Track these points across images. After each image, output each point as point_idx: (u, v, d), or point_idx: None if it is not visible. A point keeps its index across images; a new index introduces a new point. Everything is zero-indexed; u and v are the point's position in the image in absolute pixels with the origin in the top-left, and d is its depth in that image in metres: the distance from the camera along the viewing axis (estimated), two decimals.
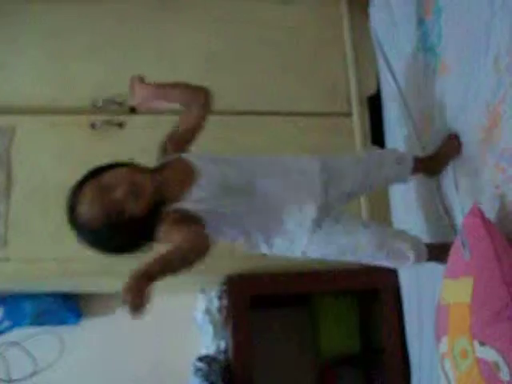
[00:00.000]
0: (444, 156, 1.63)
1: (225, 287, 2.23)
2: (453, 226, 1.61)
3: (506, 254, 1.23)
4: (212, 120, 2.14)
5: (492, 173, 1.41)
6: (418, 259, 1.53)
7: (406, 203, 1.88)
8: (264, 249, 1.50)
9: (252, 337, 2.14)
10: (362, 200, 2.10)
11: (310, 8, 2.33)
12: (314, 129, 2.17)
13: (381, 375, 2.31)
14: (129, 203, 1.31)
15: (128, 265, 2.06)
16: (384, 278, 2.06)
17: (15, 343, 2.33)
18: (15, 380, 2.31)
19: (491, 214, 1.37)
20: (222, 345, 2.26)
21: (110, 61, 2.18)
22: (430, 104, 1.72)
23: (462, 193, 1.57)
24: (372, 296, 2.28)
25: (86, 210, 1.32)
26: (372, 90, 2.23)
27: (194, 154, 1.46)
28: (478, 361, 1.15)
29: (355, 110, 2.23)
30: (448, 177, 1.64)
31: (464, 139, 1.56)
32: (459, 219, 1.55)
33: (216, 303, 2.30)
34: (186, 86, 1.50)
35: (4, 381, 2.29)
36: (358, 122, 2.22)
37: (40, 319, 2.29)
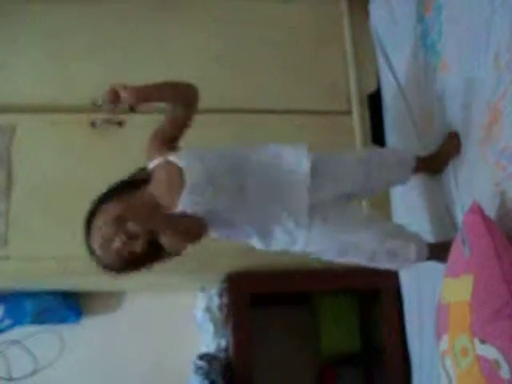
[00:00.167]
0: (445, 155, 1.63)
1: (225, 285, 2.23)
2: (454, 224, 1.61)
3: (507, 251, 1.22)
4: (212, 118, 2.16)
5: (492, 170, 1.41)
6: (418, 258, 1.53)
7: (406, 202, 1.88)
8: (262, 246, 1.50)
9: (252, 335, 2.14)
10: (364, 200, 2.10)
11: (310, 6, 2.33)
12: (314, 127, 2.17)
13: (381, 374, 2.31)
14: (131, 246, 1.35)
15: None
16: (384, 278, 2.05)
17: (16, 341, 2.33)
18: (16, 378, 2.31)
19: (491, 212, 1.36)
20: (223, 343, 2.26)
21: (110, 60, 2.18)
22: (430, 101, 1.72)
23: (462, 190, 1.57)
24: (372, 295, 2.28)
25: (102, 257, 1.38)
26: (372, 88, 2.23)
27: (180, 152, 1.44)
28: (479, 358, 1.15)
29: (355, 108, 2.23)
30: (448, 175, 1.64)
31: (464, 137, 1.56)
32: (460, 217, 1.55)
33: (216, 301, 2.30)
34: (170, 85, 1.49)
35: (4, 379, 2.29)
36: (358, 121, 2.22)
37: (40, 318, 2.30)
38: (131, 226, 1.34)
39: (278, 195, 1.44)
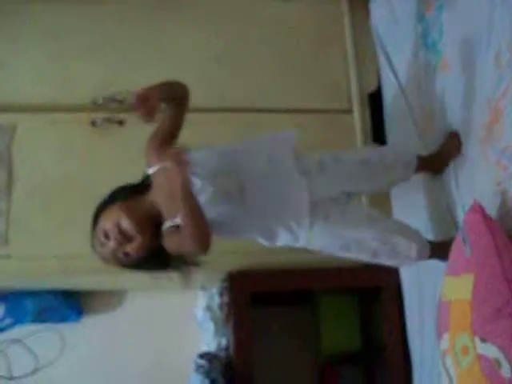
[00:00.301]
0: (445, 154, 1.63)
1: (226, 284, 2.23)
2: (454, 223, 1.61)
3: (507, 250, 1.22)
4: (213, 117, 2.16)
5: (493, 170, 1.41)
6: (420, 256, 1.53)
7: (407, 201, 1.88)
8: (266, 243, 1.51)
9: (253, 334, 2.14)
10: (364, 197, 2.10)
11: (310, 5, 2.32)
12: (315, 126, 2.17)
13: (382, 373, 2.31)
14: (125, 247, 1.39)
15: None
16: (385, 276, 2.06)
17: (16, 340, 2.33)
18: (17, 377, 2.31)
19: (492, 211, 1.37)
20: (223, 342, 2.26)
21: (110, 60, 2.18)
22: (430, 100, 1.72)
23: (463, 190, 1.57)
24: (373, 294, 2.28)
25: (101, 253, 1.44)
26: (373, 87, 2.23)
27: None
28: (479, 357, 1.15)
29: (356, 107, 2.23)
30: (449, 174, 1.64)
31: (465, 136, 1.56)
32: (460, 216, 1.55)
33: (217, 300, 2.30)
34: (169, 84, 1.50)
35: (5, 378, 2.29)
36: (358, 119, 2.22)
37: (41, 316, 2.30)
38: (126, 228, 1.38)
39: (278, 195, 1.44)
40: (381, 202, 2.02)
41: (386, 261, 1.54)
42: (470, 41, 1.49)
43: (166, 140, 1.47)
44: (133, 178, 1.52)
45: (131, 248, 1.39)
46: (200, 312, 2.35)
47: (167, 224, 1.41)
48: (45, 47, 2.18)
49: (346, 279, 2.19)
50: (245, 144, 1.52)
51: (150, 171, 1.45)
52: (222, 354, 2.24)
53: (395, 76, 1.92)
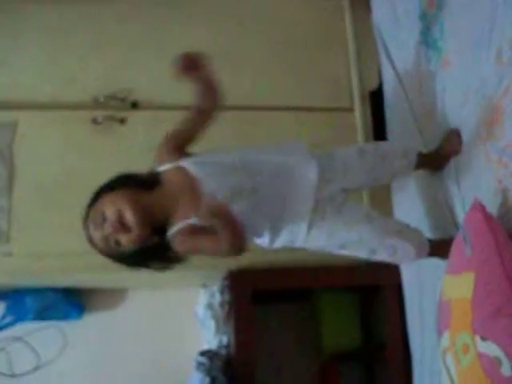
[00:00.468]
0: (446, 152, 1.63)
1: (227, 282, 2.23)
2: (455, 222, 1.61)
3: (508, 249, 1.22)
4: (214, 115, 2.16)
5: (494, 168, 1.41)
6: (419, 254, 1.53)
7: (407, 199, 1.88)
8: (266, 244, 1.50)
9: (254, 332, 2.14)
10: (364, 195, 2.10)
11: (312, 2, 2.32)
12: (316, 124, 2.17)
13: (383, 370, 2.31)
14: (120, 236, 1.36)
15: None
16: (386, 274, 2.06)
17: (18, 338, 2.33)
18: (18, 374, 2.32)
19: (493, 209, 1.37)
20: (224, 340, 2.27)
21: (111, 57, 2.18)
22: (431, 98, 1.72)
23: (463, 188, 1.57)
24: (374, 291, 2.29)
25: (92, 235, 1.41)
26: (374, 85, 2.23)
27: (194, 160, 1.43)
28: (480, 356, 1.15)
29: (357, 105, 2.23)
30: (450, 172, 1.64)
31: (466, 134, 1.56)
32: (461, 214, 1.55)
33: (218, 298, 2.30)
34: (212, 81, 1.48)
35: (7, 375, 2.30)
36: (359, 117, 2.22)
37: (42, 314, 2.30)
38: (128, 219, 1.35)
39: (285, 198, 1.44)
40: (381, 199, 2.02)
41: (384, 258, 1.53)
42: (472, 38, 1.49)
43: (185, 142, 1.45)
44: None
45: (125, 239, 1.36)
46: (201, 310, 2.35)
47: (179, 225, 1.38)
48: (46, 45, 2.18)
49: (347, 277, 2.19)
50: (257, 146, 1.52)
51: (162, 169, 1.43)
52: (223, 351, 2.24)
53: (396, 74, 1.92)
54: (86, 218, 1.42)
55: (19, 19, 2.18)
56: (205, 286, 2.38)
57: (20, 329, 2.32)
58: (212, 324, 2.30)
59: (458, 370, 1.22)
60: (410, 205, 1.86)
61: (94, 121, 2.10)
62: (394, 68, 1.95)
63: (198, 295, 2.39)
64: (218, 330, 2.29)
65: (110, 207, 1.36)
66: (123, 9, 2.23)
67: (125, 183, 1.41)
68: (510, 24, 1.34)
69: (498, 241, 1.23)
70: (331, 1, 2.33)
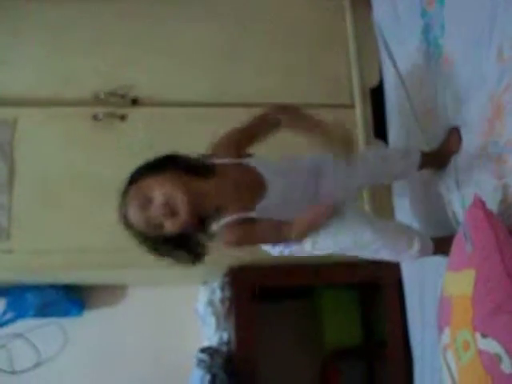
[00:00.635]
0: (446, 151, 1.63)
1: (227, 279, 2.24)
2: (456, 219, 1.61)
3: (508, 245, 1.22)
4: (216, 113, 2.16)
5: (495, 164, 1.41)
6: (422, 254, 1.53)
7: (409, 197, 1.88)
8: (280, 253, 1.52)
9: (254, 329, 2.15)
10: (365, 195, 2.10)
11: (313, 1, 2.32)
12: None
13: (383, 367, 2.31)
14: (165, 220, 1.32)
15: (127, 259, 2.06)
16: (386, 271, 2.06)
17: (18, 335, 2.33)
18: (19, 371, 2.32)
19: (494, 206, 1.37)
20: (225, 336, 2.27)
21: (111, 54, 2.18)
22: (432, 95, 1.71)
23: (464, 185, 1.57)
24: (374, 288, 2.29)
25: (130, 215, 1.34)
26: (375, 82, 2.23)
27: (259, 160, 1.44)
28: (480, 353, 1.15)
29: (358, 102, 2.23)
30: (450, 169, 1.64)
31: (467, 131, 1.56)
32: (461, 212, 1.55)
33: (218, 294, 2.30)
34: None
35: (7, 372, 2.30)
36: (360, 115, 2.21)
37: (43, 311, 2.30)
38: (178, 205, 1.31)
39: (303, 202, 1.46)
40: (382, 198, 2.02)
41: (388, 258, 1.54)
42: (472, 36, 1.49)
43: (247, 142, 1.45)
44: None
45: (171, 223, 1.32)
46: (201, 306, 2.35)
47: (233, 216, 1.36)
48: (46, 42, 2.18)
49: (348, 274, 2.19)
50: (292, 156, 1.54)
51: (218, 161, 1.40)
52: (224, 348, 2.24)
53: (397, 71, 1.91)
54: (125, 195, 1.35)
55: (19, 16, 2.17)
56: (205, 282, 2.38)
57: (20, 325, 2.33)
58: (212, 321, 2.30)
59: (458, 367, 1.22)
60: (411, 203, 1.86)
61: (95, 117, 2.10)
62: (394, 65, 1.94)
63: (198, 292, 2.39)
64: (218, 326, 2.29)
65: (160, 189, 1.31)
66: (124, 6, 2.23)
67: (175, 165, 1.36)
68: (511, 21, 1.34)
69: (498, 237, 1.23)
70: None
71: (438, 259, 1.56)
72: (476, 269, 1.23)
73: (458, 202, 1.59)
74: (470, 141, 1.54)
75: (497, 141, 1.40)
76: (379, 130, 2.18)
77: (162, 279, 2.41)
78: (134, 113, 2.13)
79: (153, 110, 2.15)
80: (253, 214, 1.37)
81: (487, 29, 1.43)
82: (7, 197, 2.03)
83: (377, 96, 2.19)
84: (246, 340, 2.13)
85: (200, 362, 2.16)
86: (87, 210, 2.04)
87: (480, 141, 1.48)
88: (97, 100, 2.12)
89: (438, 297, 1.41)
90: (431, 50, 1.71)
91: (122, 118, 2.12)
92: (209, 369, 2.13)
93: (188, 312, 2.40)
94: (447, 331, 1.28)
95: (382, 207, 2.05)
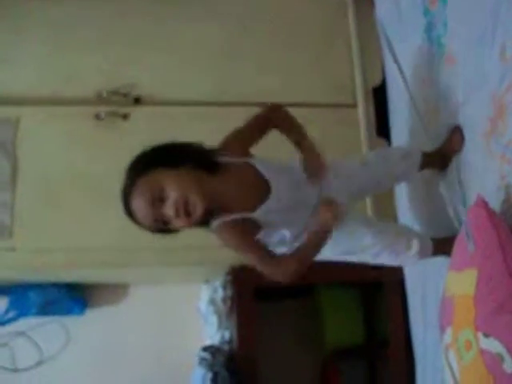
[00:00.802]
0: (448, 150, 1.63)
1: (229, 277, 2.24)
2: (458, 219, 1.61)
3: (511, 245, 1.22)
4: (217, 112, 2.16)
5: (497, 164, 1.41)
6: (421, 256, 1.53)
7: (411, 197, 1.88)
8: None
9: (256, 327, 2.15)
10: (368, 199, 2.10)
11: None
12: (319, 120, 2.17)
13: (385, 366, 2.31)
14: (177, 221, 1.29)
15: (129, 258, 2.07)
16: (388, 270, 2.05)
17: (21, 333, 2.34)
18: (21, 369, 2.32)
19: (496, 206, 1.36)
20: (226, 335, 2.27)
21: (114, 53, 2.18)
22: (435, 94, 1.71)
23: (466, 184, 1.57)
24: (376, 287, 2.28)
25: (137, 207, 1.29)
26: (377, 81, 2.22)
27: (261, 161, 1.43)
28: (482, 352, 1.15)
29: (360, 101, 2.23)
30: (452, 169, 1.64)
31: (469, 130, 1.56)
32: (464, 211, 1.54)
33: (220, 293, 2.30)
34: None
35: (10, 370, 2.31)
36: (363, 114, 2.22)
37: (45, 309, 2.31)
38: (192, 205, 1.28)
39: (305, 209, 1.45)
40: (385, 199, 2.02)
41: (388, 262, 1.54)
42: (475, 35, 1.49)
43: (251, 142, 1.45)
44: None
45: (179, 222, 1.29)
46: (203, 305, 2.35)
47: (234, 216, 1.34)
48: (49, 40, 2.18)
49: (349, 273, 2.18)
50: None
51: (225, 159, 1.38)
52: (225, 347, 2.25)
53: (400, 70, 1.91)
54: (131, 185, 1.30)
55: (21, 15, 2.18)
56: (207, 281, 2.38)
57: (23, 324, 2.33)
58: (214, 319, 2.30)
59: (460, 367, 1.22)
60: (413, 203, 1.86)
61: (97, 116, 2.11)
62: (397, 64, 1.94)
63: (200, 291, 2.39)
64: (220, 325, 2.29)
65: (175, 188, 1.26)
66: (126, 5, 2.24)
67: (187, 160, 1.32)
68: None
69: (500, 237, 1.23)
70: None
71: (440, 259, 1.56)
72: (478, 268, 1.23)
73: (461, 201, 1.59)
74: (473, 140, 1.54)
75: (499, 140, 1.40)
76: (382, 129, 2.17)
77: (164, 278, 2.42)
78: (137, 112, 2.14)
79: (155, 108, 2.15)
80: (253, 215, 1.36)
81: (490, 28, 1.42)
82: (10, 195, 2.04)
83: (379, 95, 2.19)
84: (248, 338, 2.13)
85: (202, 360, 2.16)
86: (89, 209, 2.04)
87: (482, 140, 1.48)
88: (99, 99, 2.13)
89: (439, 296, 1.41)
90: (434, 49, 1.71)
91: (125, 117, 2.12)
92: (211, 367, 2.13)
93: (190, 310, 2.40)
94: (449, 331, 1.28)
95: (385, 211, 2.05)
